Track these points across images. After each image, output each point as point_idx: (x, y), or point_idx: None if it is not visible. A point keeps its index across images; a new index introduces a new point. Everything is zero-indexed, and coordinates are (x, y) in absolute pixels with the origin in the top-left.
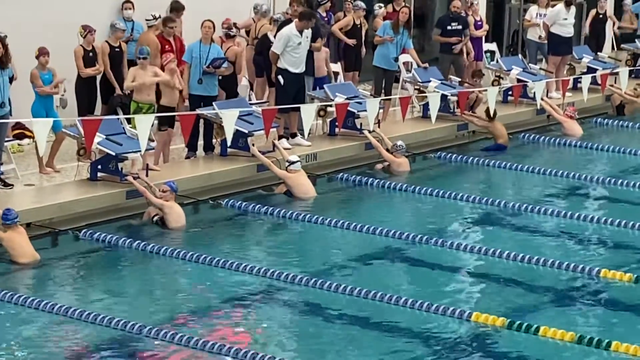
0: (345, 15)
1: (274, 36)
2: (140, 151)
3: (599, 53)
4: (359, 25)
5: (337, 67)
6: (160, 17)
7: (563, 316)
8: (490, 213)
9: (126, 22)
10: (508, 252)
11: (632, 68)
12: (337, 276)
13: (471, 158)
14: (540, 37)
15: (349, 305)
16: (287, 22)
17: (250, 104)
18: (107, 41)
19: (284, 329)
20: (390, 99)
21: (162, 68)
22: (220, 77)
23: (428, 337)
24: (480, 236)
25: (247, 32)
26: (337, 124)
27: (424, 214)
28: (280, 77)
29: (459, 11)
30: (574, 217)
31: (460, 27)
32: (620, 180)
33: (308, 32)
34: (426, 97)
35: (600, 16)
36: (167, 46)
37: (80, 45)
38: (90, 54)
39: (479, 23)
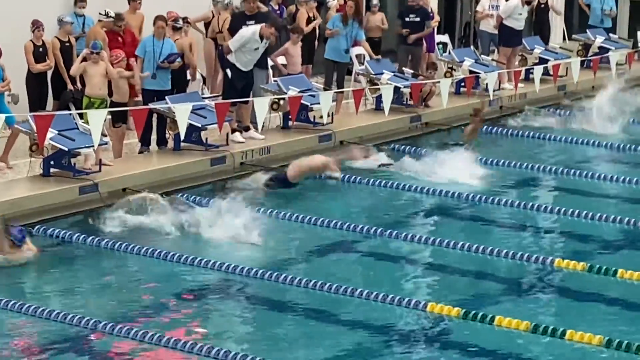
0: (297, 9)
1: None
2: (93, 146)
3: (550, 44)
4: (312, 19)
5: (279, 59)
6: (108, 13)
7: (518, 305)
8: (445, 204)
9: (77, 18)
10: (462, 242)
11: (583, 58)
12: (292, 269)
13: (425, 150)
14: (494, 26)
15: (305, 298)
16: (241, 14)
17: (203, 97)
18: (56, 36)
19: (240, 323)
20: (343, 92)
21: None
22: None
23: (384, 328)
24: (434, 227)
25: (207, 26)
26: (290, 117)
27: (379, 206)
28: (228, 70)
29: (416, 3)
30: (528, 207)
31: (418, 19)
32: (572, 170)
33: (268, 40)
34: (379, 89)
35: (542, 6)
36: (118, 38)
37: (30, 40)
38: (40, 49)
39: (431, 15)
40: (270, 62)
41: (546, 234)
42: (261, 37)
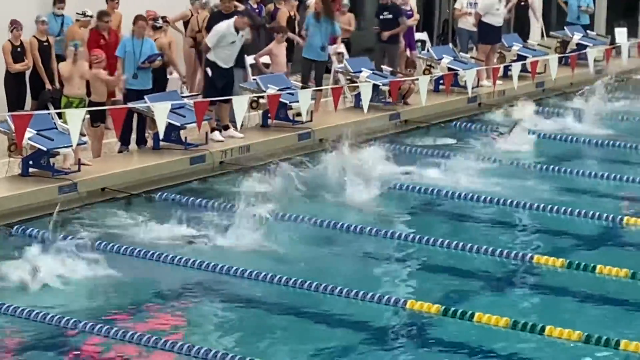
0: (275, 7)
1: (208, 26)
2: (71, 146)
3: (528, 41)
4: (292, 17)
5: (266, 59)
6: (85, 13)
7: (497, 302)
8: (424, 201)
9: (56, 18)
10: (442, 239)
11: (561, 55)
12: (271, 267)
13: (404, 147)
14: (473, 24)
15: (284, 295)
16: (219, 13)
17: (182, 96)
18: (34, 36)
19: (218, 321)
20: (322, 90)
21: (90, 65)
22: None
23: (364, 326)
24: (414, 224)
25: (185, 25)
26: (269, 115)
27: (358, 204)
28: (208, 69)
29: (389, 0)
30: (507, 204)
31: (390, 16)
32: (551, 166)
33: (245, 32)
34: (358, 87)
35: (522, 3)
36: (101, 40)
37: (8, 40)
38: (19, 49)
39: (410, 12)
40: (249, 61)
41: (525, 231)
42: (237, 30)
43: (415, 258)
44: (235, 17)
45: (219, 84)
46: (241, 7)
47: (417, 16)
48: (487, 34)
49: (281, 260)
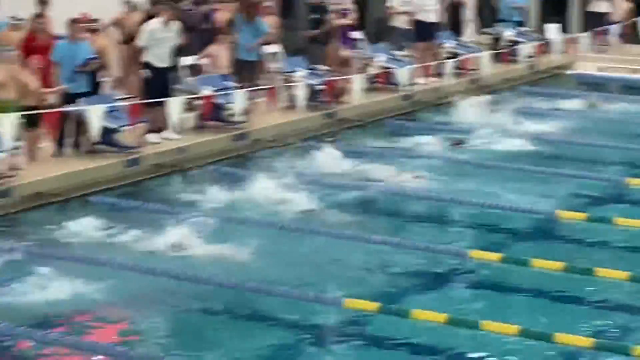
0: (212, 10)
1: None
2: (4, 151)
3: (462, 38)
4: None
5: (203, 60)
6: (18, 18)
7: (435, 298)
8: (359, 198)
9: None
10: (379, 236)
11: (494, 52)
12: (208, 269)
13: (335, 144)
14: (407, 22)
15: (221, 297)
16: (153, 16)
17: (117, 99)
18: None
19: (155, 325)
20: (257, 90)
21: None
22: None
23: (302, 325)
24: (350, 221)
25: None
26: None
27: (293, 202)
28: (144, 71)
29: (315, 1)
30: (442, 199)
31: (317, 16)
32: (483, 162)
33: (175, 26)
34: (293, 87)
35: (455, 1)
36: (36, 44)
37: None
38: None
39: (346, 11)
40: (183, 62)
41: (461, 226)
42: (166, 25)
43: (353, 256)
44: (161, 10)
45: (156, 85)
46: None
47: (353, 16)
48: (421, 31)
49: (218, 262)
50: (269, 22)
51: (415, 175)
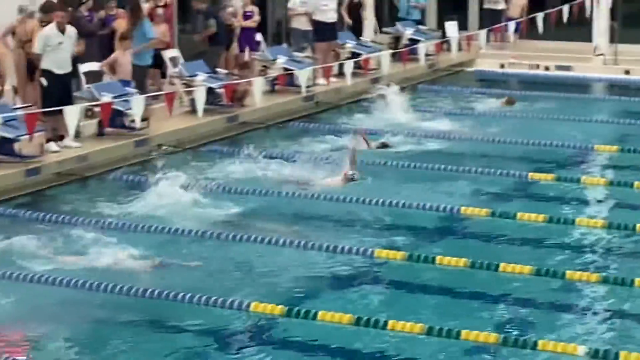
0: (107, 15)
1: None
2: None
3: (362, 38)
4: None
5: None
6: None
7: (340, 299)
8: (264, 201)
9: None
10: (284, 239)
11: (394, 51)
12: (111, 277)
13: (239, 149)
14: (307, 22)
15: (125, 306)
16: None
17: (14, 108)
18: None
19: (64, 336)
20: (158, 96)
21: None
22: None
23: (209, 331)
24: (255, 225)
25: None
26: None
27: (196, 207)
28: (43, 79)
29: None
30: (346, 200)
31: (206, 20)
32: (387, 162)
33: (71, 32)
34: (193, 91)
35: (355, 1)
36: None
37: None
38: None
39: (249, 13)
40: (82, 69)
41: (365, 226)
42: (60, 30)
43: (257, 259)
44: (53, 15)
45: (56, 93)
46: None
47: (257, 18)
48: (321, 31)
49: (122, 271)
50: (161, 30)
51: (351, 176)
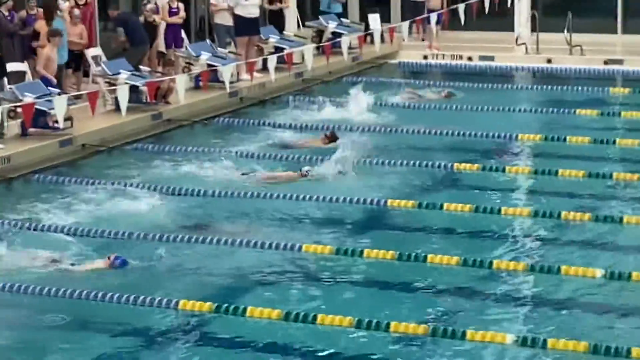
0: (28, 14)
1: None
2: None
3: (284, 32)
4: None
5: (24, 66)
6: None
7: (270, 295)
8: (192, 200)
9: None
10: (211, 237)
11: (318, 45)
12: (35, 280)
13: (167, 147)
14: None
15: (53, 306)
16: None
17: None
18: None
19: None
20: (79, 94)
21: None
22: None
23: (140, 330)
24: (183, 224)
25: None
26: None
27: (129, 208)
28: None
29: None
30: (273, 197)
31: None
32: (321, 157)
33: None
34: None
35: None
36: None
37: None
38: None
39: (174, 10)
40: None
41: (292, 221)
42: None
43: (186, 258)
44: None
45: None
46: None
47: (182, 14)
48: (243, 26)
49: (47, 273)
50: (77, 31)
51: (306, 171)
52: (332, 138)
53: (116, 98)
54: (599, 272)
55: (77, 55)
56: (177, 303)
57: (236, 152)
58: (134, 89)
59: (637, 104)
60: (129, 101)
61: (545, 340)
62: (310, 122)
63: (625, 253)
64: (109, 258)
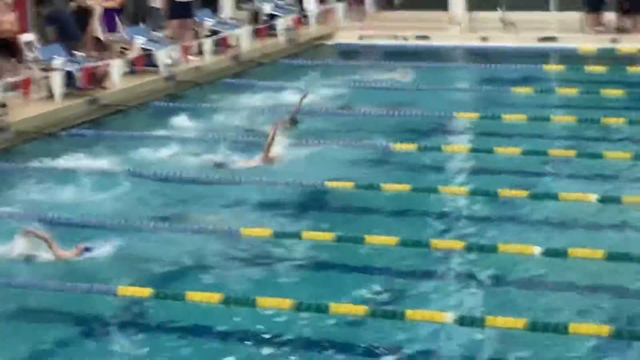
0: None
1: None
2: None
3: (220, 14)
4: None
5: None
6: None
7: (209, 279)
8: (128, 186)
9: None
10: (148, 223)
11: (254, 27)
12: None
13: (105, 132)
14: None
15: None
16: None
17: None
18: None
19: None
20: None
21: None
22: None
23: (77, 318)
24: (121, 209)
25: None
26: None
27: (66, 195)
28: None
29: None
30: (211, 182)
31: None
32: (251, 139)
33: None
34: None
35: None
36: None
37: None
38: None
39: None
40: None
41: (231, 205)
42: None
43: (123, 244)
44: None
45: None
46: None
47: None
48: (175, 9)
49: None
50: (7, 18)
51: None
52: (293, 121)
53: (51, 84)
54: (536, 249)
55: (11, 42)
56: (115, 289)
57: (173, 136)
58: (69, 75)
59: (571, 81)
60: (64, 87)
61: (484, 318)
62: (248, 105)
63: (562, 229)
64: (77, 247)
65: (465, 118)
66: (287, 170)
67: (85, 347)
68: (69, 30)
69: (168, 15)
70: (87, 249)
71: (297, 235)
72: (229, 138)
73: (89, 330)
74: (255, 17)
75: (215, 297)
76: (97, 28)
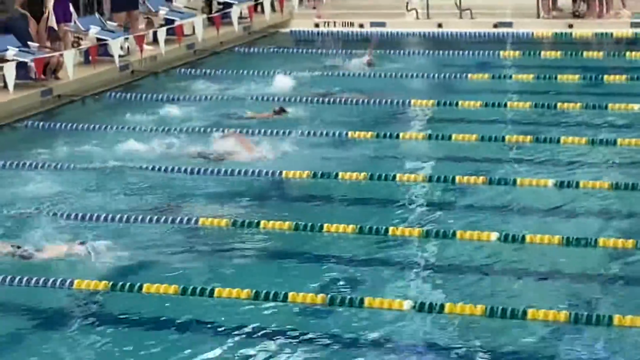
0: None
1: None
2: None
3: (174, 3)
4: None
5: None
6: None
7: (166, 270)
8: (85, 178)
9: None
10: (105, 214)
11: (208, 15)
12: None
13: (59, 124)
14: None
15: None
16: None
17: None
18: None
19: None
20: None
21: None
22: None
23: (33, 311)
24: (78, 202)
25: None
26: None
27: (22, 188)
28: None
29: None
30: (168, 170)
31: None
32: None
33: None
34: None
35: None
36: None
37: None
38: None
39: None
40: None
41: (188, 195)
42: None
43: (80, 236)
44: None
45: None
46: None
47: None
48: (117, 1)
49: None
50: None
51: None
52: (280, 111)
53: (3, 75)
54: (494, 235)
55: None
56: (71, 283)
57: (129, 127)
58: (22, 65)
59: (527, 67)
60: (18, 78)
61: (442, 305)
62: (203, 94)
63: (519, 215)
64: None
65: (421, 105)
66: (244, 160)
67: (37, 340)
68: (23, 39)
69: (111, 7)
70: (82, 243)
71: (254, 225)
72: (184, 128)
73: (45, 324)
74: (209, 5)
75: (172, 288)
76: (52, 18)
